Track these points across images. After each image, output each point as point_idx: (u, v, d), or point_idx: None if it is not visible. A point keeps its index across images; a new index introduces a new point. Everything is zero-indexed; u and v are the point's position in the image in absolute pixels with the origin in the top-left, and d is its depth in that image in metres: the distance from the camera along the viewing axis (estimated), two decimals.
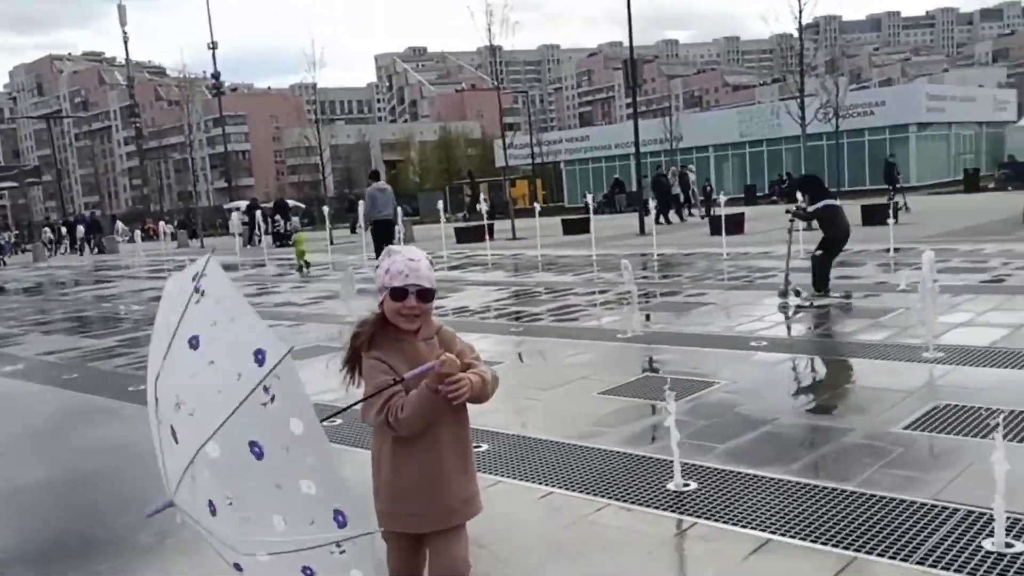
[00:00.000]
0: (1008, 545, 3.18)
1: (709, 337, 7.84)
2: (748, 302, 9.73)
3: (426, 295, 2.45)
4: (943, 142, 45.09)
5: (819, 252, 9.22)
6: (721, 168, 48.78)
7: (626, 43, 21.29)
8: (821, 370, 6.62)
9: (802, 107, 19.19)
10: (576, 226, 24.32)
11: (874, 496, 3.76)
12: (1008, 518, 3.21)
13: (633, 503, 3.91)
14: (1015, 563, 3.06)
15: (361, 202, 18.62)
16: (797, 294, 9.12)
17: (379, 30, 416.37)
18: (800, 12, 18.42)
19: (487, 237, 20.74)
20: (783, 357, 6.84)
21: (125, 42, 52.66)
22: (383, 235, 16.77)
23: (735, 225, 18.57)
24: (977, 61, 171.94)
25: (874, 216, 17.83)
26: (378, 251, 16.47)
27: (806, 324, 8.27)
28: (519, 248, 20.95)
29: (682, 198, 29.50)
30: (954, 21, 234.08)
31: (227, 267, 11.35)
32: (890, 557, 3.20)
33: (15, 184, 57.57)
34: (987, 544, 3.21)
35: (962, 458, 4.19)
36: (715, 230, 18.43)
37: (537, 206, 22.61)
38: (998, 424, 3.06)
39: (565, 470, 4.45)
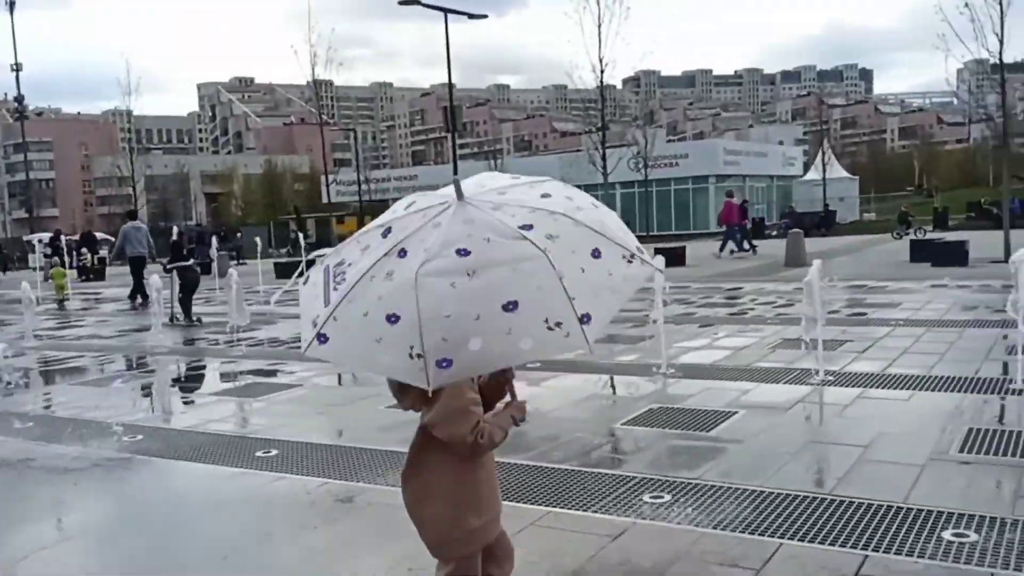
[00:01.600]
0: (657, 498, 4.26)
1: None
2: None
3: None
4: (739, 194, 49.53)
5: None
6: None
7: (459, 84, 22.40)
8: (572, 383, 7.72)
9: (604, 158, 20.95)
10: None
11: (569, 469, 4.79)
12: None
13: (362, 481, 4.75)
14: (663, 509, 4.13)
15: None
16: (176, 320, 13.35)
17: (203, 58, 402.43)
18: (601, 72, 19.95)
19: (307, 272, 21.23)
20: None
21: None
22: (138, 271, 17.41)
23: None
24: (779, 119, 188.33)
25: (671, 259, 19.92)
26: (136, 286, 17.26)
27: None
28: None
29: None
30: (759, 81, 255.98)
31: (20, 301, 11.35)
32: (579, 509, 4.20)
33: None
34: (646, 497, 4.28)
35: (652, 443, 5.34)
36: None
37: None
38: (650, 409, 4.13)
39: (341, 466, 5.23)
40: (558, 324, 2.01)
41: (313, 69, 23.50)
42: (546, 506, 4.30)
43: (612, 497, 4.38)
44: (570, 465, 4.99)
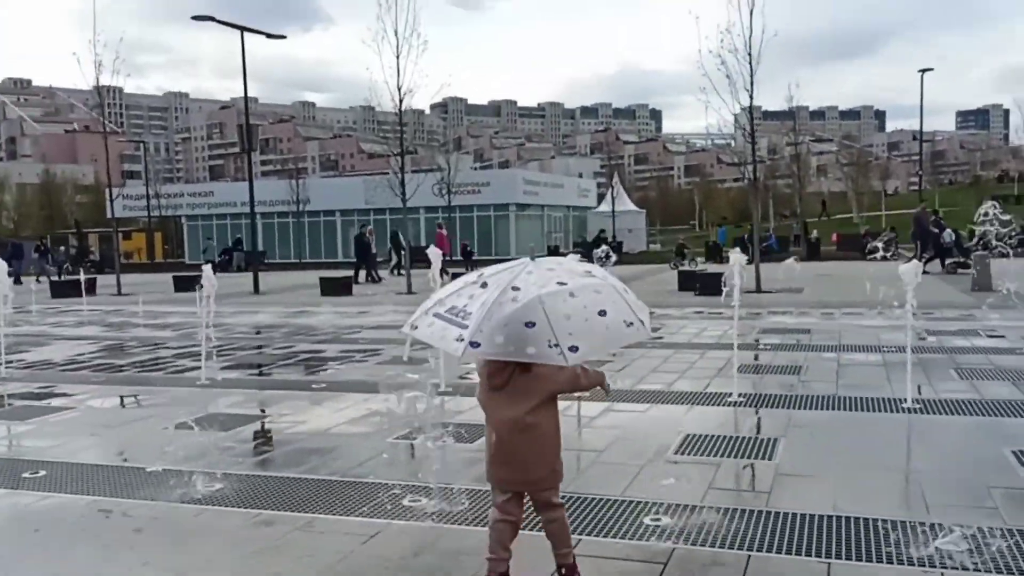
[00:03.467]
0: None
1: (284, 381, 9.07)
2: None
3: None
4: (538, 221, 51.80)
5: None
6: (347, 233, 50.76)
7: (261, 99, 22.04)
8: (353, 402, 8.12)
9: (403, 183, 21.41)
10: (185, 284, 24.36)
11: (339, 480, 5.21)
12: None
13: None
14: None
15: None
16: None
17: None
18: (400, 101, 20.47)
19: (84, 292, 20.21)
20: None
21: None
22: None
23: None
24: (578, 151, 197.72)
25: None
26: None
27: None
28: (122, 304, 20.60)
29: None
30: (560, 115, 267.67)
31: None
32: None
33: None
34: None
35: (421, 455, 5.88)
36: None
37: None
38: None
39: (112, 483, 5.34)
40: (631, 323, 3.24)
41: (98, 75, 22.20)
42: (312, 513, 4.70)
43: (374, 503, 4.85)
44: (340, 476, 5.41)
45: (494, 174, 63.44)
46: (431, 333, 3.23)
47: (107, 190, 64.34)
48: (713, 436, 6.19)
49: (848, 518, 4.37)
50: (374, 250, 27.90)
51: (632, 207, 55.46)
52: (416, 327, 3.29)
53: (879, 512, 4.44)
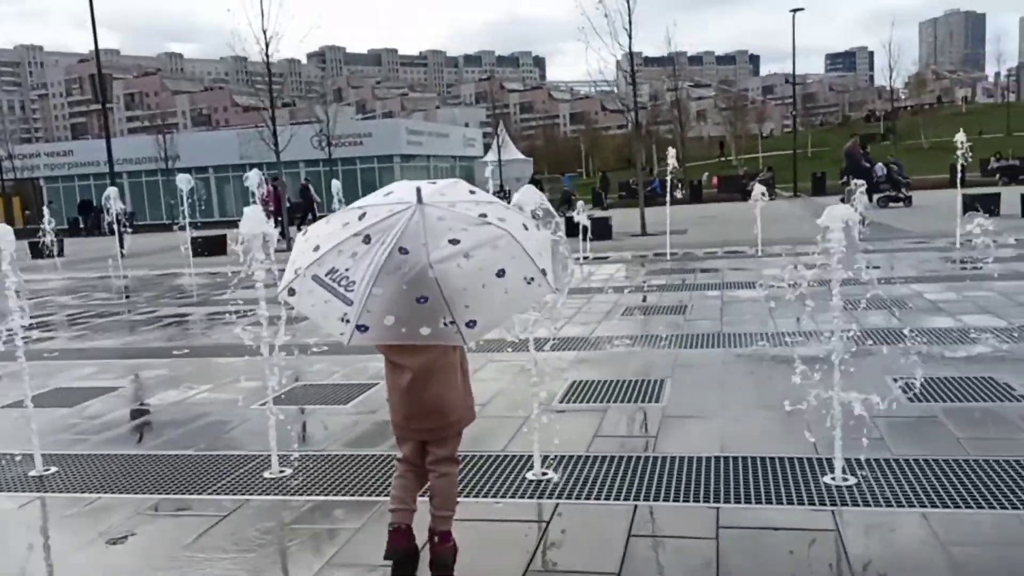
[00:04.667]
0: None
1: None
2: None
3: None
4: (423, 172, 50.86)
5: None
6: (223, 189, 48.64)
7: (123, 51, 20.35)
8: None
9: (275, 135, 20.36)
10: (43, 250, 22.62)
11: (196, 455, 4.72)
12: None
13: None
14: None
15: None
16: None
17: None
18: (267, 45, 19.32)
19: None
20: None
21: None
22: None
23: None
24: (463, 101, 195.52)
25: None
26: None
27: None
28: None
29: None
30: (443, 63, 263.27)
31: None
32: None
33: None
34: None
35: (290, 420, 5.43)
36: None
37: None
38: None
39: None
40: (531, 279, 2.78)
41: None
42: (160, 494, 4.21)
43: (232, 477, 4.39)
44: (195, 451, 4.91)
45: (376, 124, 61.76)
46: (312, 306, 2.79)
47: None
48: (600, 381, 5.97)
49: (736, 458, 4.22)
50: (318, 200, 26.53)
51: (519, 156, 55.24)
52: (294, 292, 2.81)
53: (766, 450, 4.30)
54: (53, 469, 4.68)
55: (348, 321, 2.67)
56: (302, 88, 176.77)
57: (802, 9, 38.02)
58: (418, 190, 2.82)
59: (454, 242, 2.71)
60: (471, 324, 2.68)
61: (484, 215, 2.83)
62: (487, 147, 63.60)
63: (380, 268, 2.67)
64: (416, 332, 2.71)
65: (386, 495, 3.44)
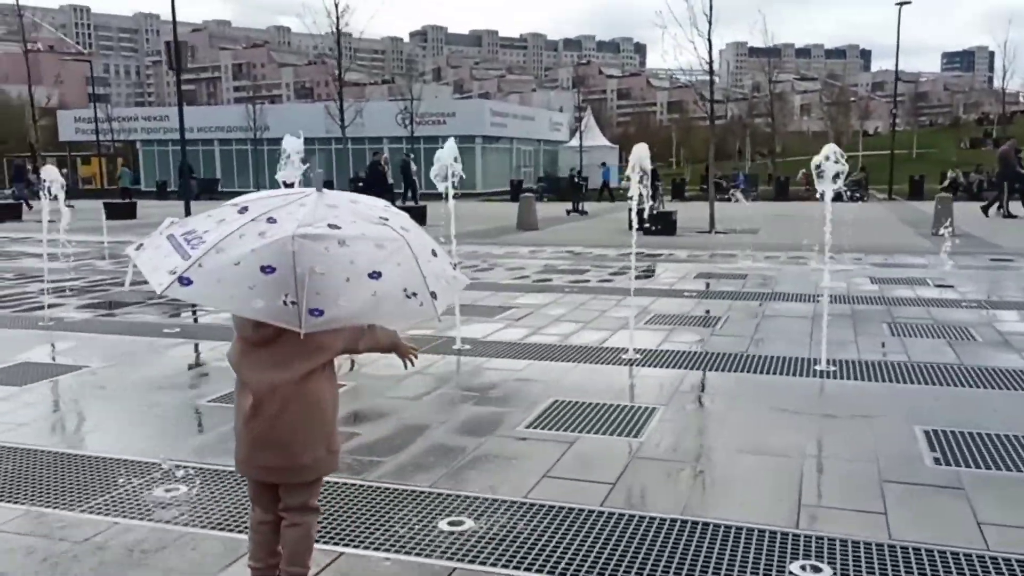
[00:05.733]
0: None
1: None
2: None
3: None
4: (506, 155, 50.39)
5: None
6: (309, 162, 49.25)
7: (235, 22, 20.47)
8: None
9: (341, 110, 20.13)
10: (118, 211, 23.13)
11: None
12: None
13: None
14: None
15: None
16: None
17: None
18: (337, 19, 19.03)
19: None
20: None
21: None
22: None
23: None
24: (560, 85, 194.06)
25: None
26: None
27: None
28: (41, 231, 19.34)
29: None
30: (543, 47, 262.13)
31: None
32: None
33: None
34: None
35: None
36: None
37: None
38: None
39: None
40: (414, 294, 2.40)
41: None
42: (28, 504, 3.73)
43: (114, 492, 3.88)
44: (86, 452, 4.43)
45: (460, 104, 61.46)
46: (150, 259, 2.42)
47: (62, 112, 61.98)
48: (583, 404, 5.24)
49: (701, 524, 3.46)
50: (390, 180, 25.31)
51: (604, 142, 54.15)
52: (141, 247, 2.47)
53: (742, 516, 3.53)
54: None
55: (174, 273, 2.31)
56: (403, 66, 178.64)
57: (909, 2, 35.69)
58: (318, 179, 2.62)
59: (333, 227, 2.37)
60: (316, 312, 2.29)
61: (386, 219, 2.50)
62: (575, 132, 62.69)
63: (236, 231, 2.36)
64: (247, 303, 2.33)
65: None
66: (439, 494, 3.81)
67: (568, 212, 25.86)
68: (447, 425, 4.88)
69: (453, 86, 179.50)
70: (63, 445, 4.63)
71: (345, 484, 3.95)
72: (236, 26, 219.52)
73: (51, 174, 8.31)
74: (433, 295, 2.44)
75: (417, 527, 3.48)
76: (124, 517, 3.62)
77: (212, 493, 3.86)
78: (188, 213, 21.55)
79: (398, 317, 2.53)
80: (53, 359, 6.78)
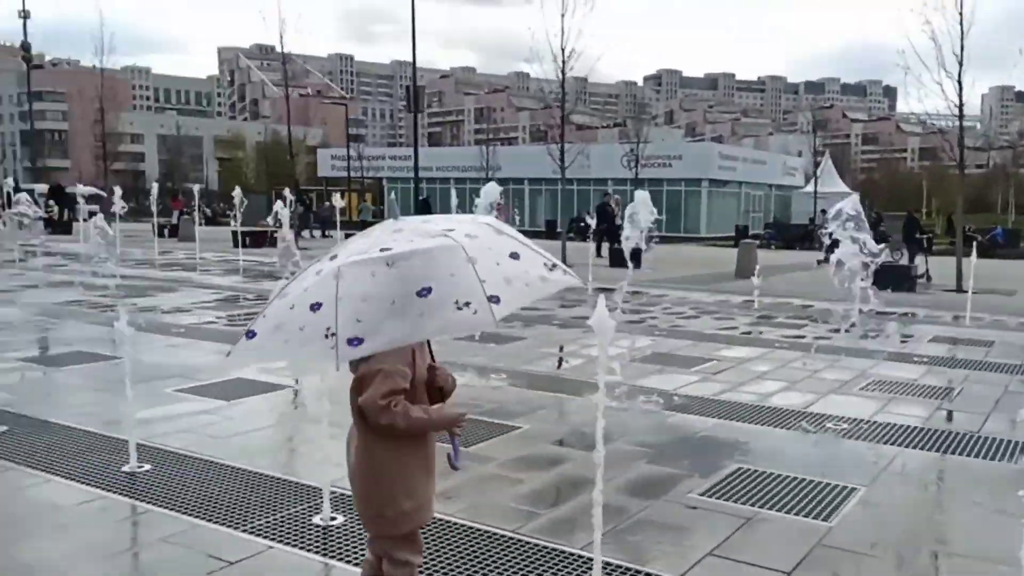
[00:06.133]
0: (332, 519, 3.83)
1: None
2: None
3: None
4: (734, 199, 48.85)
5: None
6: (535, 202, 50.63)
7: (480, 69, 21.81)
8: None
9: (562, 152, 20.42)
10: None
11: None
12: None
13: None
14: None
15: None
16: None
17: (227, 23, 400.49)
18: (564, 62, 19.36)
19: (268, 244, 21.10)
20: None
21: None
22: None
23: None
24: (800, 128, 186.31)
25: (619, 258, 19.74)
26: None
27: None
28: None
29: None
30: (782, 89, 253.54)
31: None
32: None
33: None
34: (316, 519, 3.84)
35: None
36: None
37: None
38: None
39: None
40: (467, 304, 2.24)
41: (281, 38, 22.76)
42: None
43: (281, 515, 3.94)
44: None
45: (688, 146, 60.54)
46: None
47: (322, 151, 68.18)
48: (771, 474, 4.73)
49: None
50: (619, 220, 25.40)
51: (843, 188, 51.03)
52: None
53: None
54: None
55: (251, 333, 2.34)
56: (635, 109, 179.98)
57: None
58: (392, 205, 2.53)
59: (384, 249, 2.29)
60: (354, 341, 2.19)
61: (450, 229, 2.37)
62: (808, 177, 59.68)
63: (302, 274, 2.40)
64: (296, 348, 2.28)
65: None
66: (586, 558, 3.53)
67: (819, 262, 24.14)
68: (615, 482, 4.57)
69: (685, 129, 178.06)
70: (242, 460, 4.83)
71: (495, 533, 3.78)
72: (480, 72, 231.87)
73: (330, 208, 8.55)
74: (494, 299, 2.25)
75: None
76: (279, 542, 3.66)
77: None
78: None
79: (446, 330, 2.37)
80: (264, 378, 7.17)
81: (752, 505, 4.26)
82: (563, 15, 18.57)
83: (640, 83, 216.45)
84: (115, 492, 4.27)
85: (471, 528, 3.87)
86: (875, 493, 4.50)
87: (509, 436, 5.44)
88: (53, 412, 5.74)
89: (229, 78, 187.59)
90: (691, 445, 5.36)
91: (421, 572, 2.84)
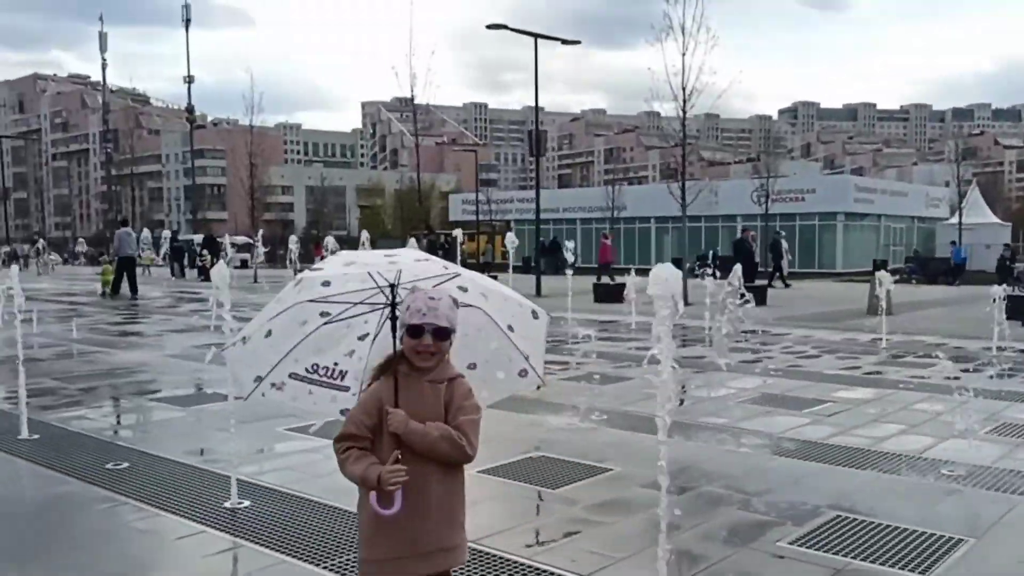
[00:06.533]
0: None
1: None
2: None
3: (442, 334, 2.49)
4: (873, 232, 46.64)
5: None
6: (661, 240, 50.06)
7: (610, 110, 22.20)
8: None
9: (683, 189, 20.19)
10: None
11: None
12: None
13: None
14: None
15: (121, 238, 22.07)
16: None
17: (370, 78, 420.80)
18: (684, 100, 19.22)
19: None
20: None
21: (103, 68, 54.98)
22: (127, 268, 21.54)
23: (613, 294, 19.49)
24: (947, 157, 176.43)
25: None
26: (118, 280, 21.04)
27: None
28: None
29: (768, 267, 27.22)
30: (927, 117, 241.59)
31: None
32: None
33: None
34: None
35: None
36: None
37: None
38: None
39: None
40: (523, 372, 2.75)
41: (412, 89, 23.72)
42: None
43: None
44: None
45: (822, 179, 58.13)
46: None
47: (453, 196, 70.18)
48: (872, 524, 4.47)
49: None
50: (757, 259, 24.91)
51: (993, 219, 47.93)
52: None
53: None
54: None
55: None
56: (769, 144, 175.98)
57: None
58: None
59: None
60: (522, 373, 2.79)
61: (464, 288, 2.67)
62: (955, 209, 56.33)
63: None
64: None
65: None
66: None
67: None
68: (700, 528, 4.44)
69: (823, 162, 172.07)
70: (334, 497, 4.98)
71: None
72: (610, 114, 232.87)
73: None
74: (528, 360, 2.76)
75: None
76: None
77: None
78: (538, 286, 22.86)
79: (497, 396, 2.85)
80: None
81: (844, 555, 4.04)
82: (683, 54, 18.45)
83: (775, 117, 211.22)
84: (215, 528, 4.50)
85: (540, 569, 3.86)
86: (984, 547, 4.18)
87: (598, 479, 5.38)
88: (169, 449, 6.11)
89: (371, 130, 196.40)
90: (790, 491, 5.13)
91: None
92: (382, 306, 2.61)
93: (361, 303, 2.60)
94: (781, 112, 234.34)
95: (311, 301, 2.57)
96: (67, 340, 12.75)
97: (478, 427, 2.49)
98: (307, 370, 2.61)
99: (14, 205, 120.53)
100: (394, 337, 2.55)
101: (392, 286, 2.59)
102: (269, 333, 2.62)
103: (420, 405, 2.46)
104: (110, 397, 8.47)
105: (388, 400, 2.47)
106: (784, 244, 28.76)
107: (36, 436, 6.42)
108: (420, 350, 2.48)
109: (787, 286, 26.23)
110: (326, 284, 2.57)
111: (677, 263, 20.47)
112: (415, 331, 2.47)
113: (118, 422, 7.64)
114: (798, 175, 54.79)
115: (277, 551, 4.14)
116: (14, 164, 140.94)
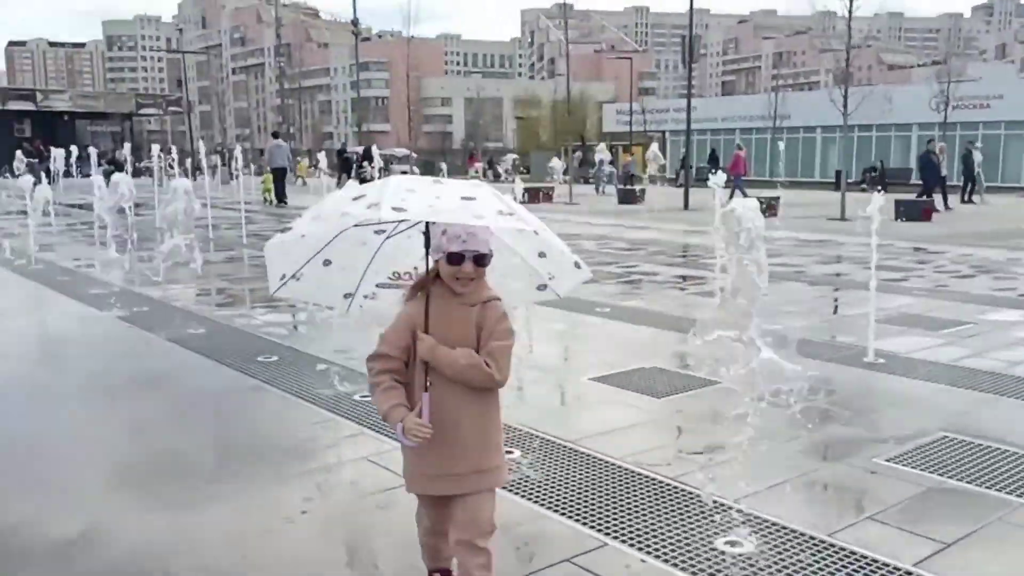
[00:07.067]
0: None
1: None
2: None
3: (482, 260, 2.48)
4: None
5: None
6: (827, 151, 47.48)
7: (782, 12, 21.08)
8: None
9: (845, 94, 19.01)
10: (627, 197, 25.16)
11: None
12: None
13: None
14: None
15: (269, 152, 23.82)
16: None
17: None
18: (850, 2, 17.89)
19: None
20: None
21: None
22: (279, 179, 22.99)
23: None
24: None
25: (910, 211, 18.37)
26: (277, 191, 22.49)
27: None
28: (572, 212, 21.90)
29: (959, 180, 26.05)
30: None
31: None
32: None
33: (159, 112, 62.54)
34: None
35: None
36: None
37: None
38: None
39: None
40: (542, 286, 2.82)
41: None
42: None
43: None
44: None
45: (1013, 83, 52.38)
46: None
47: (607, 105, 68.92)
48: (980, 446, 4.38)
49: None
50: (943, 172, 23.11)
51: None
52: None
53: None
54: None
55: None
56: (960, 44, 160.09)
57: None
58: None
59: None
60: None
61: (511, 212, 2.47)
62: None
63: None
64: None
65: None
66: (733, 509, 3.57)
67: None
68: (796, 442, 4.50)
69: (1021, 64, 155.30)
70: None
71: (643, 474, 3.96)
72: (781, 15, 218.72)
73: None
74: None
75: (691, 539, 3.36)
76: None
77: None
78: (686, 199, 22.41)
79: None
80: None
81: (940, 475, 4.02)
82: None
83: (967, 14, 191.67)
84: (344, 417, 5.00)
85: (633, 472, 4.09)
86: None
87: (710, 389, 5.48)
88: (317, 348, 6.70)
89: (530, 39, 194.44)
90: (900, 410, 5.07)
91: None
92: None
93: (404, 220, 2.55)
94: (975, 9, 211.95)
95: (356, 226, 2.57)
96: (237, 245, 13.95)
97: (510, 353, 2.48)
98: (389, 278, 2.80)
99: (200, 118, 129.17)
100: (427, 255, 2.51)
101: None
102: (328, 262, 2.69)
103: (450, 327, 2.47)
104: (267, 299, 9.30)
105: (419, 321, 2.47)
106: (978, 156, 26.26)
107: (202, 330, 7.23)
108: (460, 276, 2.46)
109: (967, 202, 24.59)
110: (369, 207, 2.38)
111: (839, 175, 19.44)
112: (455, 258, 2.44)
113: (273, 321, 8.41)
114: (985, 79, 49.63)
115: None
116: (198, 78, 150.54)
